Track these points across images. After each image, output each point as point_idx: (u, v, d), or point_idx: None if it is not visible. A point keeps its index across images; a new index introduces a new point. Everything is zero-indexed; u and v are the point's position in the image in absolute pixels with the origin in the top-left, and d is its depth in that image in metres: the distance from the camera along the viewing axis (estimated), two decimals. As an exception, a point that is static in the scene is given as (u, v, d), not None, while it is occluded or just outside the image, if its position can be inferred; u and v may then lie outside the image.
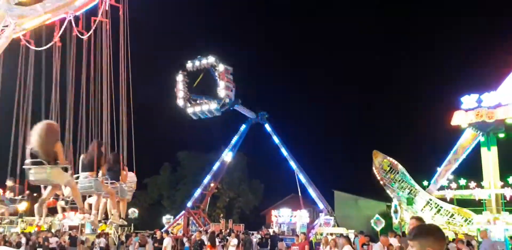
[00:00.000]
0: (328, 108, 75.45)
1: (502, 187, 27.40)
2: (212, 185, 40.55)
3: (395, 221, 31.16)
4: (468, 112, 27.71)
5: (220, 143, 43.99)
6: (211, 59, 36.72)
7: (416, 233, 2.62)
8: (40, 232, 23.27)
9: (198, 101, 37.16)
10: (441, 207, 28.89)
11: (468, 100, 28.11)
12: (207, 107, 36.35)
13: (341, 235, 17.88)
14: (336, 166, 57.76)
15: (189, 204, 38.70)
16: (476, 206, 29.62)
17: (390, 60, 72.94)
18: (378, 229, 30.18)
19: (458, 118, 28.19)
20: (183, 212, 38.04)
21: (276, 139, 38.75)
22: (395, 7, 73.08)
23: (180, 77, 37.78)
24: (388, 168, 30.83)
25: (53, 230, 28.41)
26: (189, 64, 37.73)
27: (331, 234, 26.39)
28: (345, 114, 70.71)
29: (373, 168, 31.08)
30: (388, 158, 30.89)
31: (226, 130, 40.95)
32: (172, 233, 27.82)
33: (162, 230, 24.71)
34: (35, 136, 6.36)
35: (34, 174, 6.48)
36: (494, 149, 28.00)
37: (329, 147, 66.11)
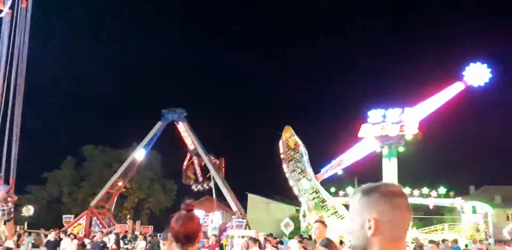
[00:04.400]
0: (244, 114, 76.19)
1: (400, 196, 29.36)
2: (120, 183, 38.25)
3: (303, 225, 31.91)
4: (374, 125, 29.49)
5: (132, 139, 41.89)
6: None
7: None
8: None
9: None
10: (321, 194, 31.05)
11: (374, 114, 29.94)
12: None
13: (250, 237, 17.82)
14: (251, 169, 58.24)
15: (92, 203, 36.07)
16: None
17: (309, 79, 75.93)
18: (287, 232, 30.59)
19: (364, 131, 29.84)
20: (85, 211, 35.35)
21: (193, 138, 37.65)
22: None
23: None
24: (293, 145, 31.98)
25: None
26: None
27: (242, 237, 26.10)
28: (258, 120, 71.75)
29: (280, 142, 32.17)
30: (296, 136, 32.10)
31: (140, 126, 38.99)
32: (72, 234, 25.44)
33: (61, 230, 22.48)
34: None
35: None
36: (394, 160, 29.98)
37: (245, 150, 66.54)
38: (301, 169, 31.68)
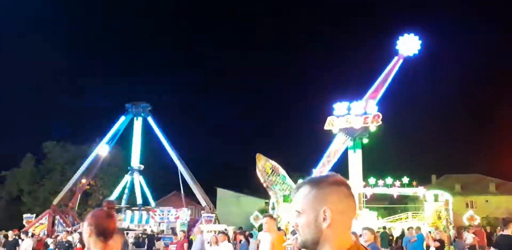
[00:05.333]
0: (212, 107, 75.62)
1: (364, 186, 30.02)
2: (83, 180, 37.15)
3: (272, 217, 32.08)
4: (339, 118, 29.87)
5: (95, 135, 40.72)
6: None
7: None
8: None
9: None
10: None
11: (339, 107, 30.33)
12: None
13: (219, 232, 17.86)
14: (220, 163, 57.98)
15: (55, 202, 34.89)
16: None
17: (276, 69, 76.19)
18: (256, 225, 30.69)
19: (330, 123, 30.21)
20: (47, 210, 34.14)
21: (158, 133, 36.98)
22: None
23: None
24: (270, 171, 31.56)
25: None
26: None
27: (212, 231, 25.97)
28: (228, 113, 71.50)
29: (257, 170, 31.57)
30: (271, 161, 31.66)
31: (102, 121, 37.92)
32: (33, 234, 24.52)
33: (21, 230, 21.56)
34: None
35: None
36: (359, 152, 30.49)
37: (213, 145, 66.16)
38: (289, 190, 30.41)
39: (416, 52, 30.90)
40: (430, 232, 22.59)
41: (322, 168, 31.65)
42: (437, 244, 14.93)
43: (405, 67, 31.28)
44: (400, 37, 31.20)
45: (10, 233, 17.10)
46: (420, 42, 31.05)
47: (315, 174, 31.86)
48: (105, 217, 2.58)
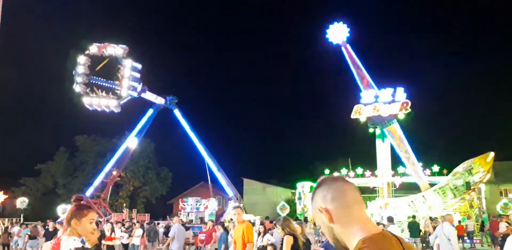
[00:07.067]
0: (240, 98, 75.83)
1: (393, 175, 29.50)
2: (114, 173, 38.07)
3: (299, 207, 32.08)
4: (367, 106, 29.27)
5: (124, 128, 41.57)
6: (119, 50, 33.92)
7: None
8: None
9: (98, 90, 33.93)
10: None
11: (366, 95, 29.68)
12: (105, 102, 33.61)
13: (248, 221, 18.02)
14: (246, 153, 58.27)
15: (88, 193, 35.93)
16: (371, 193, 31.59)
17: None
18: (283, 215, 30.72)
19: (357, 112, 29.69)
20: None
21: (185, 125, 37.40)
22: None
23: (82, 60, 33.75)
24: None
25: None
26: (93, 48, 34.02)
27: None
28: (254, 105, 71.48)
29: None
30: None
31: (132, 114, 38.56)
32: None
33: (57, 221, 22.34)
34: None
35: None
36: (388, 141, 29.84)
37: (240, 135, 66.47)
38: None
39: (345, 39, 31.85)
40: (460, 221, 22.17)
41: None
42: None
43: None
44: (331, 25, 32.12)
45: (51, 224, 17.71)
46: (348, 29, 32.09)
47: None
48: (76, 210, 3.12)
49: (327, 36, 32.11)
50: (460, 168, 26.79)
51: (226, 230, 15.56)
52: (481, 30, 68.47)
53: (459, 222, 21.84)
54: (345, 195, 1.44)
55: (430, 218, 20.36)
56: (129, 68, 33.99)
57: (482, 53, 65.64)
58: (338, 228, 1.41)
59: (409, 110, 28.47)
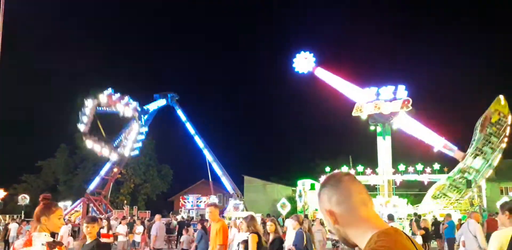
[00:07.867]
0: (241, 96, 75.78)
1: (394, 173, 29.48)
2: (115, 169, 38.11)
3: (300, 205, 32.12)
4: (368, 104, 29.21)
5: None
6: (128, 111, 32.90)
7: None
8: None
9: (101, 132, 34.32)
10: None
11: (368, 93, 29.61)
12: (107, 152, 33.94)
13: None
14: (247, 151, 58.29)
15: (88, 190, 35.98)
16: (371, 191, 31.62)
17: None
18: (284, 212, 30.79)
19: (358, 109, 29.65)
20: (82, 198, 35.31)
21: (186, 123, 37.39)
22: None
23: (90, 103, 33.12)
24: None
25: None
26: (103, 98, 32.96)
27: (240, 218, 26.27)
28: (256, 101, 71.45)
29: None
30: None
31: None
32: (69, 220, 25.47)
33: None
34: None
35: None
36: (389, 139, 29.88)
37: (241, 133, 66.49)
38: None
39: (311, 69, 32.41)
40: (460, 219, 22.17)
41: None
42: (422, 232, 15.35)
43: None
44: (298, 55, 32.98)
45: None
46: (314, 59, 32.72)
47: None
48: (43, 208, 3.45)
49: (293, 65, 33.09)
50: (476, 128, 26.95)
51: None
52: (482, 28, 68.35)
53: (459, 220, 21.85)
54: (350, 198, 1.43)
55: (417, 219, 19.17)
56: (136, 132, 34.00)
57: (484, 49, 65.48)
58: (346, 229, 1.41)
59: (410, 108, 28.45)
